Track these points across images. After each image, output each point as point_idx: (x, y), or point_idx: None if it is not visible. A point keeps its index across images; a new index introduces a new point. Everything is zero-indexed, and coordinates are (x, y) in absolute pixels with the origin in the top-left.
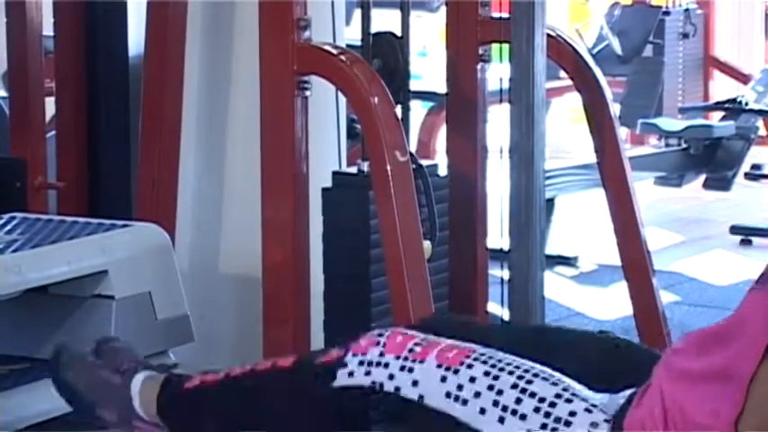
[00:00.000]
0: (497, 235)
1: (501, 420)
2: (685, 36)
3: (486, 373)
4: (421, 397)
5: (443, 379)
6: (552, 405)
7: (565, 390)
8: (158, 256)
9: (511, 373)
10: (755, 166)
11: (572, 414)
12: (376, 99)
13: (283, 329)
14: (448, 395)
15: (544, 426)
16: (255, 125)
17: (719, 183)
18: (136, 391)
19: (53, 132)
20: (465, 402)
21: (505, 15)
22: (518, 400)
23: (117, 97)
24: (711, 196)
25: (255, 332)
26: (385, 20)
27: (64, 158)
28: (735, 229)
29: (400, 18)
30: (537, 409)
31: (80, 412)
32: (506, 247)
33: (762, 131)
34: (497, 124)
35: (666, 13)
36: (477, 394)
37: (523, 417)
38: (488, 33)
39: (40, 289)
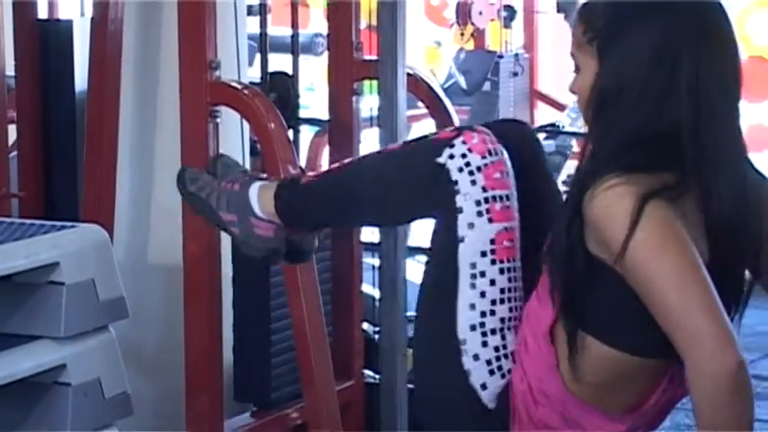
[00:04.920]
0: (370, 230)
1: (473, 328)
2: (515, 75)
3: (502, 290)
4: (461, 239)
5: (484, 254)
6: (507, 356)
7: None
8: (100, 250)
9: (511, 309)
10: (570, 176)
11: (513, 352)
12: (272, 125)
13: (199, 306)
14: (472, 265)
15: (489, 362)
16: (177, 145)
17: None
18: (254, 194)
19: (15, 153)
20: (474, 285)
21: (374, 57)
22: (497, 329)
23: (66, 124)
24: None
25: (178, 309)
26: (279, 62)
27: (24, 173)
28: None
29: (291, 60)
30: (497, 348)
31: (205, 216)
32: (377, 240)
33: (575, 149)
34: (369, 144)
35: (500, 56)
36: (482, 294)
37: (485, 343)
38: (361, 72)
39: (4, 278)
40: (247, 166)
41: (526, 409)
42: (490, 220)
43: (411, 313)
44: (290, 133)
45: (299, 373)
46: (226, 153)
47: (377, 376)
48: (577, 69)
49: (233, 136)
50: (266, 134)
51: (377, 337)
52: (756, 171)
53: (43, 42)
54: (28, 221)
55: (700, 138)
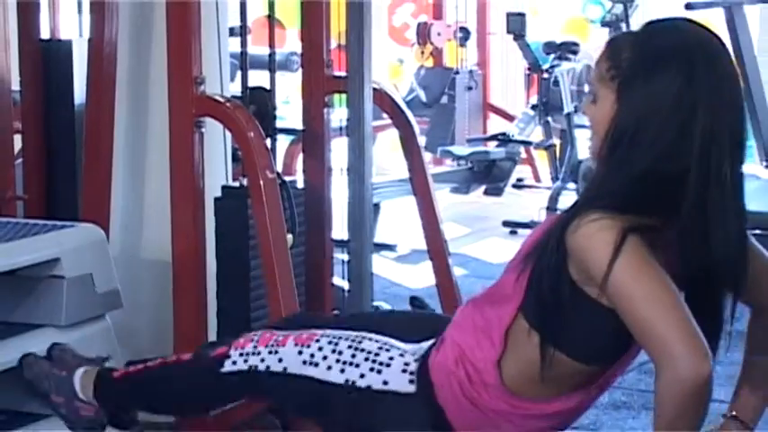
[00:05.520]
0: (340, 229)
1: (342, 371)
2: (470, 89)
3: (330, 342)
4: (285, 368)
5: (300, 352)
6: (377, 355)
7: (385, 344)
8: (97, 247)
9: (346, 339)
10: (519, 179)
11: (390, 359)
12: (251, 134)
13: (187, 299)
14: (304, 362)
15: (372, 369)
16: (166, 152)
17: (495, 191)
18: (78, 380)
19: (20, 160)
20: (316, 365)
21: (343, 74)
22: (353, 356)
23: (66, 134)
24: (489, 201)
25: (167, 300)
26: (258, 77)
27: (28, 178)
28: (506, 224)
29: (269, 76)
30: (366, 359)
31: (39, 399)
32: (346, 237)
33: (523, 155)
34: (339, 151)
35: (457, 73)
36: (325, 357)
37: (357, 365)
38: (331, 86)
39: (10, 272)
40: (230, 171)
41: (459, 384)
42: (284, 345)
43: (377, 303)
44: (268, 141)
45: None
46: (209, 161)
47: None
48: (594, 99)
49: (216, 144)
50: (246, 142)
51: None
52: None
53: (45, 60)
54: (32, 221)
55: (708, 185)
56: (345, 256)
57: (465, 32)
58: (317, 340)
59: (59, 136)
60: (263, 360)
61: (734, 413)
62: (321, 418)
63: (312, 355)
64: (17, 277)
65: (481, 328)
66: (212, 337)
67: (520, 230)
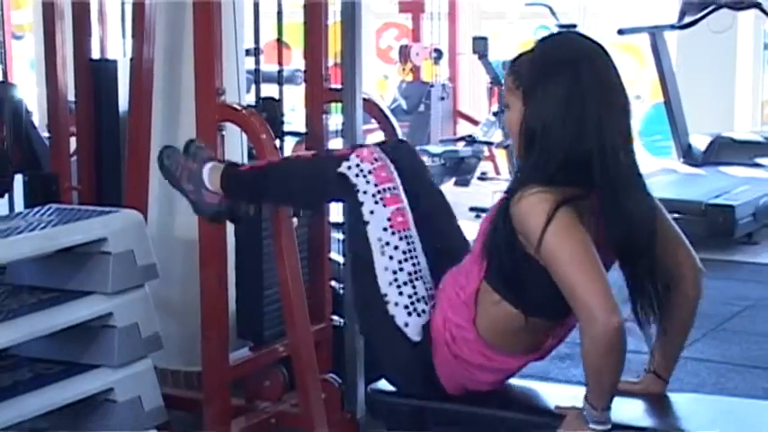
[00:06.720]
0: (336, 213)
1: (389, 284)
2: (443, 99)
3: (404, 252)
4: (367, 222)
5: (385, 229)
6: (418, 301)
7: (430, 293)
8: (138, 228)
9: (416, 265)
10: (483, 173)
11: (423, 311)
12: (264, 136)
13: (211, 268)
14: (378, 239)
15: (406, 307)
16: None
17: (463, 182)
18: (207, 173)
19: (75, 157)
20: (382, 254)
21: (339, 86)
22: (404, 283)
23: (112, 136)
24: (458, 190)
25: (196, 271)
26: (269, 90)
27: (82, 172)
28: (472, 209)
29: (278, 89)
30: (410, 296)
31: (172, 183)
32: (341, 220)
33: (486, 153)
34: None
35: (432, 86)
36: (391, 257)
37: (401, 293)
38: (329, 96)
39: (67, 249)
40: None
41: (446, 344)
42: (384, 205)
43: None
44: (277, 142)
45: (284, 317)
46: (228, 158)
47: (341, 320)
48: (507, 107)
49: (234, 144)
50: (259, 143)
51: (341, 291)
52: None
53: (95, 76)
54: (84, 207)
55: (608, 168)
56: (340, 236)
57: (438, 53)
58: (401, 237)
59: (107, 138)
60: (365, 192)
61: (651, 368)
62: (354, 287)
63: (388, 243)
64: (72, 253)
65: (457, 294)
66: (231, 302)
67: (483, 215)
